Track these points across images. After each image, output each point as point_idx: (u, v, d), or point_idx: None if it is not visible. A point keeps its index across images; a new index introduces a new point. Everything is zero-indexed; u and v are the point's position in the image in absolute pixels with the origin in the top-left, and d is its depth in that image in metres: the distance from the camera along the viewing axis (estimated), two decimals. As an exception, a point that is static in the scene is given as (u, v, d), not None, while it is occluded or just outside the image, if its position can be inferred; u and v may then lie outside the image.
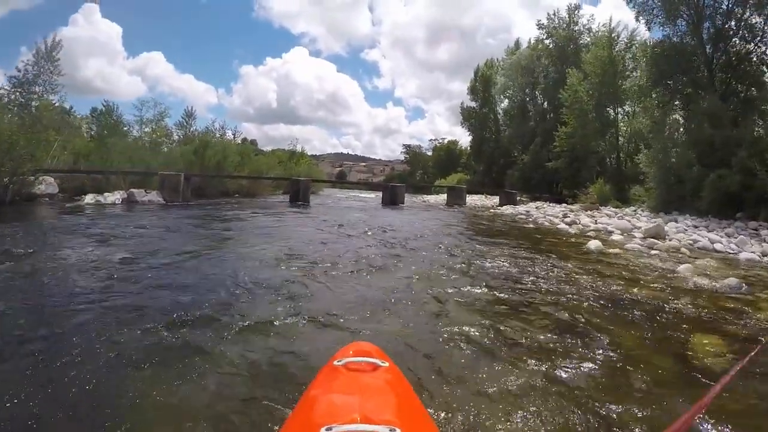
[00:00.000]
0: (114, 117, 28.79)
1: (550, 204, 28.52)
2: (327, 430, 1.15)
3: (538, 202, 32.58)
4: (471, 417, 2.80)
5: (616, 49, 32.18)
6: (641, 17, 25.54)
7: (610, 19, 32.69)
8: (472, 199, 36.84)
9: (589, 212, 20.07)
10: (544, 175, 39.06)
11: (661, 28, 24.87)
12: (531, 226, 16.51)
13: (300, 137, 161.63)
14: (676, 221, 16.40)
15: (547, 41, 45.15)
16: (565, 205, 26.49)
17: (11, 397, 2.79)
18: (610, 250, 10.41)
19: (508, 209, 25.02)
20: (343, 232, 12.16)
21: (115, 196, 19.49)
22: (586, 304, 5.56)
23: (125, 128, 29.44)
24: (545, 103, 45.88)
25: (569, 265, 8.13)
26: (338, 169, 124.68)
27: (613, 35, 32.43)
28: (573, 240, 12.69)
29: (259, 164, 37.81)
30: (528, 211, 22.72)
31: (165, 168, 23.26)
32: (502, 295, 5.76)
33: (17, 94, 19.70)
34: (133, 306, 4.78)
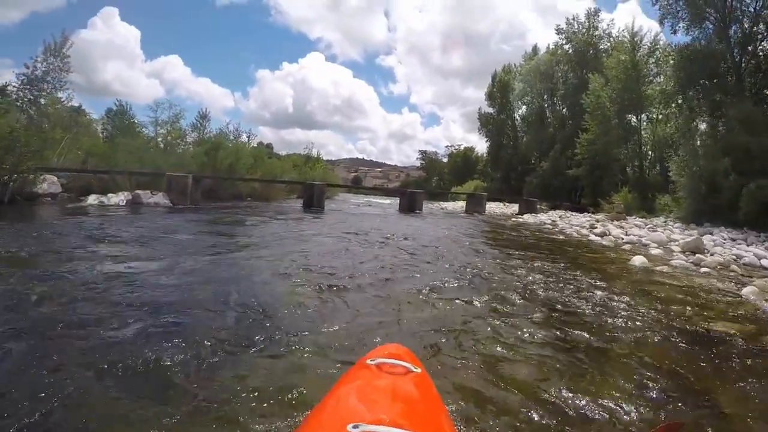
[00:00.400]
0: (127, 117, 28.38)
1: (572, 213, 27.53)
2: (354, 427, 1.12)
3: (558, 210, 31.73)
4: None
5: (639, 54, 31.13)
6: (666, 20, 24.72)
7: (633, 23, 31.68)
8: (491, 207, 35.86)
9: (616, 222, 19.15)
10: (563, 183, 38.25)
11: (686, 31, 24.09)
12: (560, 237, 15.45)
13: (316, 142, 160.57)
14: (711, 233, 15.43)
15: (566, 46, 44.33)
16: (589, 214, 25.45)
17: None
18: (657, 268, 9.49)
19: (529, 218, 24.12)
20: (360, 241, 11.27)
21: (119, 198, 18.68)
22: (660, 342, 4.64)
23: (138, 128, 29.05)
24: (564, 110, 44.94)
25: (619, 287, 7.24)
26: (353, 174, 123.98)
27: (635, 39, 31.33)
28: (612, 255, 11.66)
29: (273, 167, 36.97)
30: (553, 221, 21.76)
31: (176, 170, 22.47)
32: (551, 333, 4.74)
33: (26, 91, 19.38)
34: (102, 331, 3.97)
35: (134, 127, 28.31)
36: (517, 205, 34.46)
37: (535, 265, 8.91)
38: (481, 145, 65.07)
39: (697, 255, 11.43)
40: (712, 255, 11.83)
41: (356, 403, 1.42)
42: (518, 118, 53.16)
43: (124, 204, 18.14)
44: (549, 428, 2.81)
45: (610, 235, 15.49)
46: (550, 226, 19.64)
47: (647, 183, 28.38)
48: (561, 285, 7.06)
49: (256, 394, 2.98)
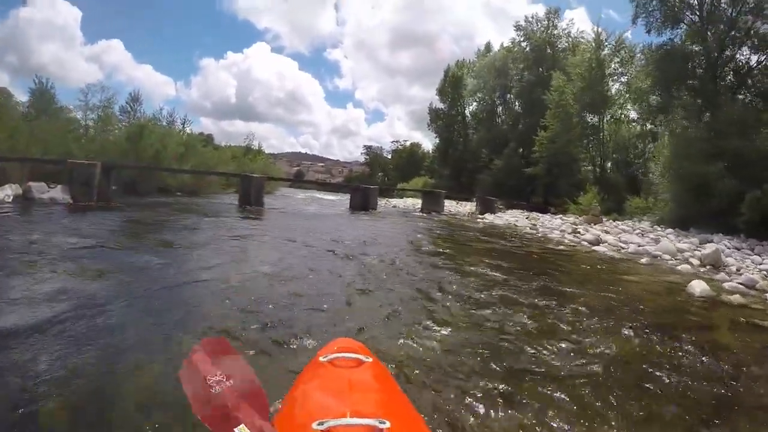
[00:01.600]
0: (48, 96, 24.05)
1: (534, 213, 25.26)
2: (319, 424, 1.15)
3: (515, 210, 29.67)
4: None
5: (604, 53, 29.43)
6: (640, 19, 22.95)
7: (599, 21, 30.12)
8: (446, 206, 33.63)
9: (597, 226, 17.03)
10: (518, 182, 36.22)
11: (659, 32, 22.38)
12: (550, 246, 12.52)
13: (257, 134, 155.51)
14: (711, 241, 13.41)
15: (523, 44, 42.62)
16: (553, 215, 23.30)
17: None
18: (726, 298, 6.86)
19: (494, 219, 21.47)
20: (310, 254, 8.31)
21: (5, 192, 14.38)
22: None
23: (62, 110, 24.91)
24: (519, 107, 43.10)
25: (711, 342, 4.71)
26: (296, 168, 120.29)
27: (600, 38, 29.60)
28: (647, 275, 8.91)
29: (207, 158, 31.91)
30: (533, 225, 18.90)
31: (95, 159, 18.28)
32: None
33: None
34: None
35: (53, 107, 24.14)
36: (472, 203, 32.32)
37: (556, 296, 6.04)
38: (426, 142, 62.99)
39: (721, 271, 9.24)
40: (738, 272, 9.62)
41: (316, 400, 1.39)
42: (468, 116, 51.03)
43: (10, 200, 14.07)
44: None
45: (606, 242, 13.10)
46: (531, 231, 16.64)
47: (610, 184, 26.63)
48: (609, 340, 4.40)
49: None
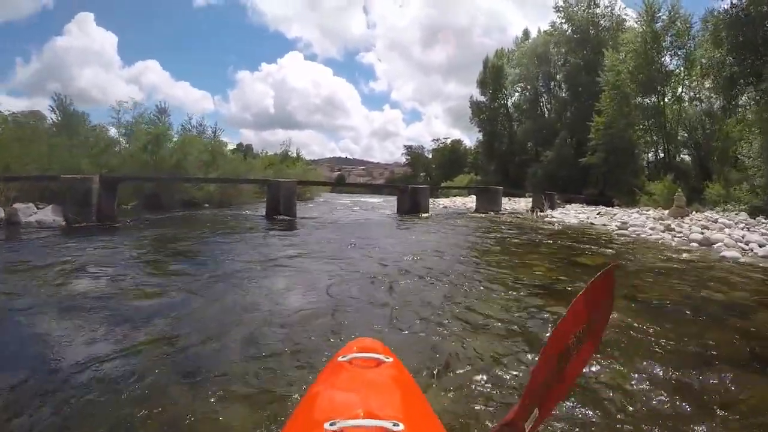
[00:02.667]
0: (69, 110, 22.25)
1: (605, 208, 22.48)
2: (330, 425, 1.09)
3: (574, 204, 27.07)
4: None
5: (659, 25, 26.45)
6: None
7: None
8: None
9: (684, 219, 14.49)
10: (570, 173, 33.44)
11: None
12: (669, 254, 9.50)
13: (298, 142, 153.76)
14: None
15: (564, 26, 39.64)
16: (638, 210, 20.12)
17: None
18: None
19: (563, 217, 18.89)
20: (355, 290, 5.72)
21: None
22: None
23: (89, 125, 23.24)
24: (565, 93, 40.14)
25: None
26: (337, 173, 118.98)
27: (653, 8, 26.59)
28: None
29: (236, 166, 28.95)
30: (603, 222, 16.22)
31: (112, 173, 17.19)
32: None
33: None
34: None
35: (83, 126, 22.57)
36: (526, 199, 29.81)
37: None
38: (467, 138, 60.40)
39: None
40: None
41: (331, 400, 1.33)
42: (512, 106, 48.20)
43: (-7, 227, 12.00)
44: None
45: (719, 242, 10.56)
46: (620, 232, 13.37)
47: (680, 170, 23.81)
48: None
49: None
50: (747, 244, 10.06)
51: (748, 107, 20.69)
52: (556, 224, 15.95)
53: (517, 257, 8.45)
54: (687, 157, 26.70)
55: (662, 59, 26.55)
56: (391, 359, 1.63)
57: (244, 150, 49.49)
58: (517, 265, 7.44)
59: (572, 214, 19.44)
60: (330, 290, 5.68)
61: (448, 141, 70.61)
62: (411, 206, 19.88)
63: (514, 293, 5.56)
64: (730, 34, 18.99)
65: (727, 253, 8.96)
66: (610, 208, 22.04)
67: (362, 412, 1.15)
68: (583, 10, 38.31)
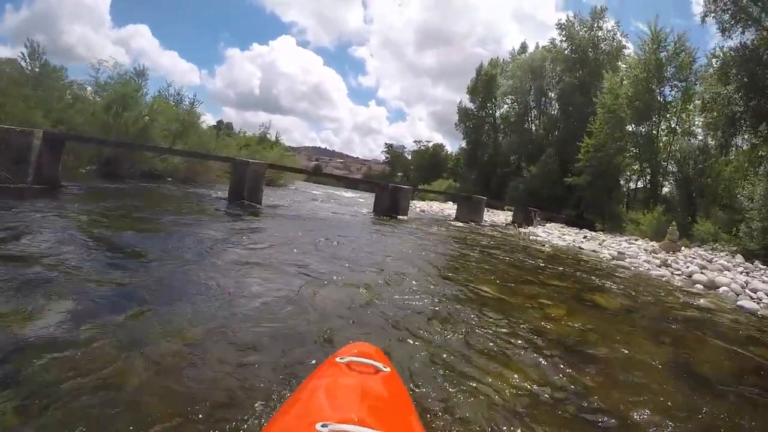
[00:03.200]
0: (40, 60, 19.83)
1: (589, 232, 21.48)
2: (323, 426, 1.09)
3: (554, 223, 26.20)
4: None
5: (663, 54, 25.77)
6: (711, 17, 19.55)
7: (655, 19, 26.14)
8: None
9: (675, 254, 13.59)
10: (553, 191, 32.69)
11: (730, 33, 19.04)
12: (684, 298, 7.99)
13: (279, 127, 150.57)
14: None
15: (563, 44, 38.93)
16: (628, 239, 18.97)
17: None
18: None
19: (547, 236, 17.68)
20: (313, 307, 4.31)
21: None
22: None
23: (68, 83, 20.92)
24: (557, 112, 39.42)
25: None
26: (314, 162, 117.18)
27: (659, 38, 25.88)
28: None
29: (207, 140, 25.74)
30: (593, 248, 14.85)
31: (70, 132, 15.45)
32: None
33: None
34: None
35: (53, 73, 20.38)
36: (505, 213, 28.89)
37: None
38: (449, 144, 59.47)
39: None
40: None
41: (324, 401, 1.34)
42: (500, 117, 47.32)
43: None
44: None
45: (724, 285, 9.59)
46: (616, 262, 12.17)
47: (668, 202, 23.12)
48: None
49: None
50: (755, 293, 9.06)
51: (748, 147, 20.27)
52: (546, 245, 14.32)
53: (519, 290, 6.59)
54: (668, 189, 26.10)
55: (662, 89, 25.95)
56: (388, 369, 1.60)
57: (223, 127, 47.40)
58: (522, 303, 5.59)
59: (556, 234, 18.38)
60: (273, 310, 4.06)
61: (430, 144, 69.64)
62: (389, 206, 18.08)
63: (536, 359, 3.73)
64: (740, 71, 18.28)
65: (745, 303, 7.87)
66: (593, 233, 21.14)
67: (356, 418, 1.14)
68: (585, 31, 37.68)
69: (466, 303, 5.31)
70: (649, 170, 26.48)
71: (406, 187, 19.68)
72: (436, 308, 4.87)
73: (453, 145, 78.45)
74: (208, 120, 35.51)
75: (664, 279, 10.03)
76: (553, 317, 5.20)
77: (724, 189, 20.70)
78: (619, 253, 12.88)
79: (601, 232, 22.07)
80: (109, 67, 21.19)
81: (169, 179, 20.07)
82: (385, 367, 1.60)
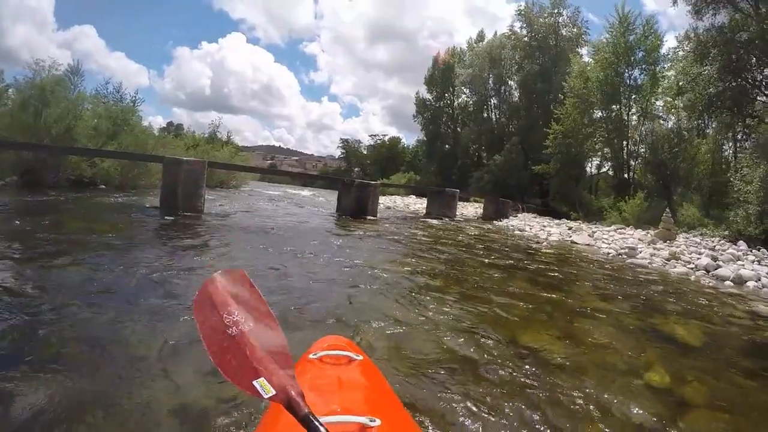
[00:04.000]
0: None
1: (570, 222, 20.04)
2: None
3: (526, 214, 24.81)
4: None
5: (633, 37, 24.55)
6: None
7: (623, 3, 24.88)
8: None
9: (671, 243, 12.22)
10: (519, 181, 31.31)
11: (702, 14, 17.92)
12: (739, 306, 6.33)
13: (232, 127, 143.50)
14: None
15: (523, 31, 37.65)
16: (618, 228, 17.45)
17: None
18: None
19: (532, 230, 15.89)
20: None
21: None
22: None
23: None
24: (519, 99, 38.04)
25: None
26: (269, 161, 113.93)
27: (628, 20, 24.66)
28: None
29: (144, 140, 21.15)
30: (584, 240, 13.38)
31: None
32: None
33: None
34: None
35: None
36: (472, 204, 27.37)
37: None
38: (404, 138, 57.98)
39: None
40: None
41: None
42: (459, 107, 45.78)
43: None
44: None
45: (752, 279, 8.09)
46: (620, 257, 10.73)
47: (644, 188, 21.96)
48: None
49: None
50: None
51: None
52: (541, 243, 12.60)
53: (578, 334, 4.20)
54: (632, 175, 24.99)
55: (632, 72, 24.78)
56: (361, 357, 1.59)
57: (173, 129, 44.12)
58: (582, 355, 3.58)
59: (537, 227, 16.78)
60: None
61: (386, 138, 67.59)
62: (356, 206, 15.70)
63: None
64: (721, 52, 17.13)
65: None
66: (572, 222, 19.73)
67: (339, 408, 1.13)
68: (545, 18, 36.41)
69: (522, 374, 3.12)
70: (619, 155, 25.27)
71: (373, 183, 17.28)
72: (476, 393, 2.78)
73: (408, 138, 76.82)
74: (158, 122, 31.93)
75: (692, 279, 8.40)
76: (651, 385, 3.13)
77: (702, 172, 19.76)
78: (630, 249, 11.14)
79: (577, 221, 20.71)
80: (46, 68, 18.08)
81: (103, 186, 16.78)
82: (357, 356, 1.58)
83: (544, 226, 16.99)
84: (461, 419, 2.38)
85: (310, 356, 1.58)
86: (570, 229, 16.10)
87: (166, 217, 9.99)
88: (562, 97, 27.37)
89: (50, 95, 15.61)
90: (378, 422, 1.07)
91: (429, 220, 17.83)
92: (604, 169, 28.43)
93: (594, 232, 14.93)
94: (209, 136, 38.98)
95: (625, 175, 24.77)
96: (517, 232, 15.41)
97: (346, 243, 8.99)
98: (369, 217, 15.27)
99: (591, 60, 26.24)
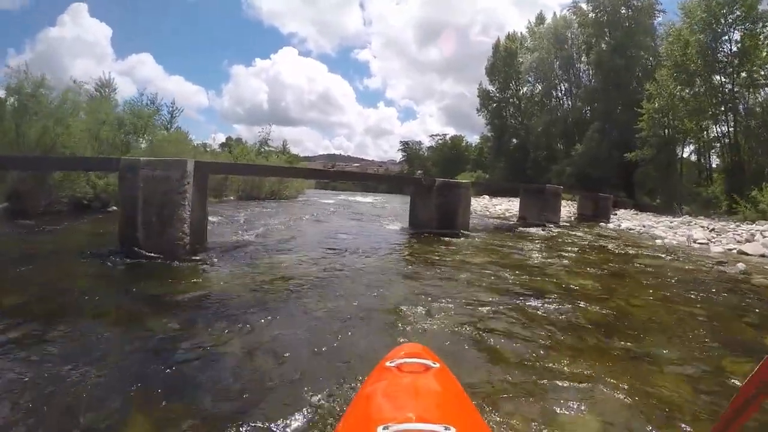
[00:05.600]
0: None
1: (696, 220, 16.32)
2: (384, 428, 1.05)
3: (623, 210, 21.19)
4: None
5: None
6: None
7: None
8: (503, 204, 24.57)
9: None
10: (605, 172, 27.40)
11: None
12: None
13: (292, 139, 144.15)
14: None
15: (589, 6, 33.73)
16: (756, 226, 13.55)
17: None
18: None
19: (676, 239, 11.67)
20: None
21: None
22: None
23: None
24: (595, 80, 34.00)
25: None
26: (330, 169, 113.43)
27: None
28: None
29: (164, 148, 16.31)
30: None
31: None
32: None
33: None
34: None
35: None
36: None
37: None
38: (467, 136, 54.66)
39: None
40: None
41: (382, 405, 1.30)
42: (525, 96, 42.00)
43: None
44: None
45: None
46: None
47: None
48: None
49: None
50: None
51: None
52: (730, 262, 8.10)
53: None
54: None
55: (731, 34, 20.55)
56: (438, 365, 1.52)
57: (232, 142, 42.21)
58: None
59: (660, 228, 13.34)
60: None
61: (448, 137, 64.28)
62: (439, 217, 11.00)
63: None
64: None
65: None
66: (691, 218, 16.10)
67: (414, 416, 1.11)
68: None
69: None
70: (729, 134, 21.07)
71: (463, 182, 12.51)
72: None
73: (469, 136, 73.01)
74: (220, 138, 28.87)
75: None
76: None
77: None
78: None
79: (691, 216, 17.03)
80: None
81: (113, 208, 12.65)
82: (434, 364, 1.51)
83: (671, 227, 13.49)
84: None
85: (387, 364, 1.52)
86: (713, 231, 12.37)
87: (118, 266, 5.86)
88: (651, 69, 23.50)
89: (31, 99, 12.69)
90: (453, 430, 1.03)
91: (529, 229, 13.46)
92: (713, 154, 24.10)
93: (753, 235, 11.18)
94: (259, 145, 34.43)
95: (749, 159, 20.45)
96: (647, 239, 11.87)
97: (439, 292, 5.01)
98: (461, 232, 10.89)
99: (682, 23, 22.14)
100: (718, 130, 21.76)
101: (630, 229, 13.73)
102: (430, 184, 11.47)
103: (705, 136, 22.53)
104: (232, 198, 20.31)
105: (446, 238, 9.78)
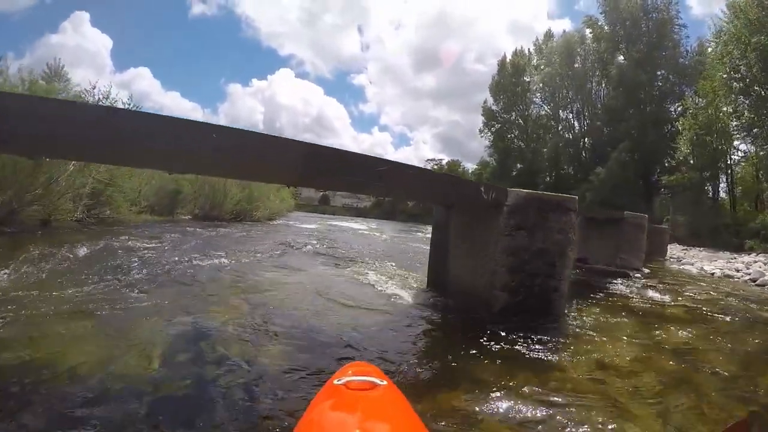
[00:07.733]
0: None
1: (727, 254, 13.08)
2: None
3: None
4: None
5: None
6: None
7: None
8: None
9: None
10: (633, 198, 23.99)
11: None
12: None
13: None
14: None
15: (604, 17, 31.14)
16: None
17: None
18: None
19: None
20: None
21: None
22: None
23: None
24: (615, 98, 30.80)
25: None
26: (322, 193, 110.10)
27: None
28: None
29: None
30: None
31: None
32: None
33: None
34: None
35: None
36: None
37: None
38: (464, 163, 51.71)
39: None
40: None
41: (329, 423, 1.32)
42: (533, 116, 38.72)
43: None
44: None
45: None
46: None
47: None
48: None
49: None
50: None
51: None
52: None
53: None
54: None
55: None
56: (385, 382, 1.54)
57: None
58: None
59: (743, 269, 9.98)
60: None
61: (444, 162, 60.47)
62: (516, 282, 4.50)
63: None
64: None
65: None
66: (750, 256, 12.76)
67: None
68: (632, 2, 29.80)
69: None
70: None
71: (570, 197, 5.08)
72: None
73: (464, 164, 69.84)
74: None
75: None
76: None
77: None
78: None
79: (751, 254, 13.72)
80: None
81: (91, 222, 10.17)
82: (382, 381, 1.52)
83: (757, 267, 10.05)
84: None
85: (335, 382, 1.52)
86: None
87: None
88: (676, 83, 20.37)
89: None
90: None
91: (610, 281, 7.94)
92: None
93: None
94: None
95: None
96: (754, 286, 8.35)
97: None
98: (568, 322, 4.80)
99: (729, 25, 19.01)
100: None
101: (708, 273, 10.22)
102: (495, 200, 4.57)
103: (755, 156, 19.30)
104: (188, 217, 16.15)
105: (535, 344, 3.73)
